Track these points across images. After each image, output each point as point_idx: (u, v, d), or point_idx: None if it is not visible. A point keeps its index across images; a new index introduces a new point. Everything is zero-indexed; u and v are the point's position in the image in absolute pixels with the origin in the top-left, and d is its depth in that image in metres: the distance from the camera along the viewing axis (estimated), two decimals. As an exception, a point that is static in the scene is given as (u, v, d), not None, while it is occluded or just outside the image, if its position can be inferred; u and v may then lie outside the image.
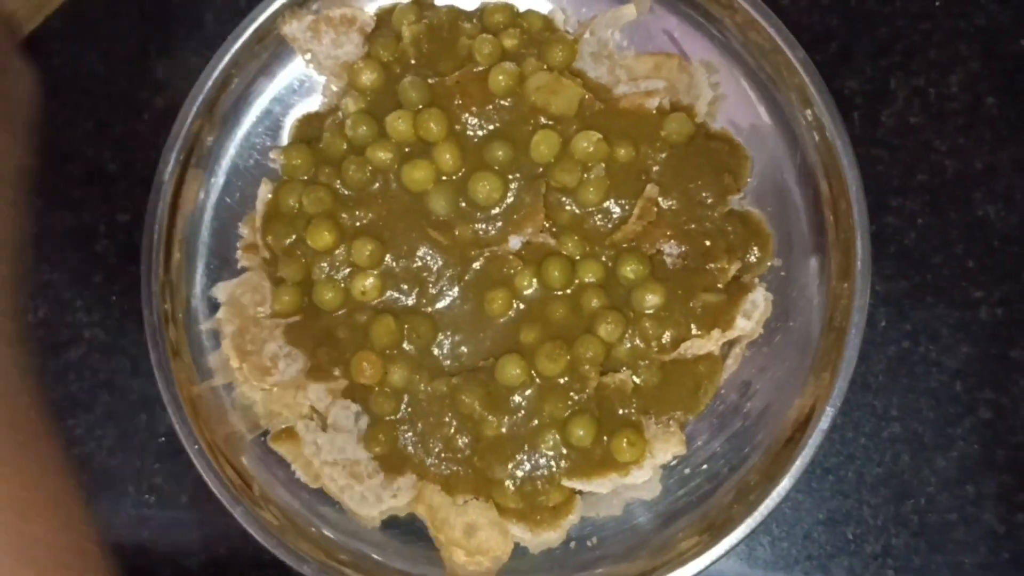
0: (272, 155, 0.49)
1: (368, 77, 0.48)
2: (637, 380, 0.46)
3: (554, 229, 0.47)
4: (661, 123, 0.47)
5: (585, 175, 0.47)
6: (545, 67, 0.47)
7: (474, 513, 0.46)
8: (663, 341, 0.46)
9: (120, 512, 0.50)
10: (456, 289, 0.47)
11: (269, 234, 0.48)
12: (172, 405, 0.46)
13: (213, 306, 0.49)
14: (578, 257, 0.47)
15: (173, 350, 0.47)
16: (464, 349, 0.47)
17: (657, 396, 0.47)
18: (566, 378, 0.46)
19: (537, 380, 0.46)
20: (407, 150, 0.47)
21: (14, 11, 0.48)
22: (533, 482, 0.46)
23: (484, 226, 0.47)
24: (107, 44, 0.53)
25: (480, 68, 0.48)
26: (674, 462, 0.47)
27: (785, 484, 0.44)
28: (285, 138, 0.50)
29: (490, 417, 0.45)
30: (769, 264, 0.47)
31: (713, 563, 0.44)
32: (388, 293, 0.47)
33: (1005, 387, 0.47)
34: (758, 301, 0.47)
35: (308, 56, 0.50)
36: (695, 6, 0.48)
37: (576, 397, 0.45)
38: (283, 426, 0.48)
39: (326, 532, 0.47)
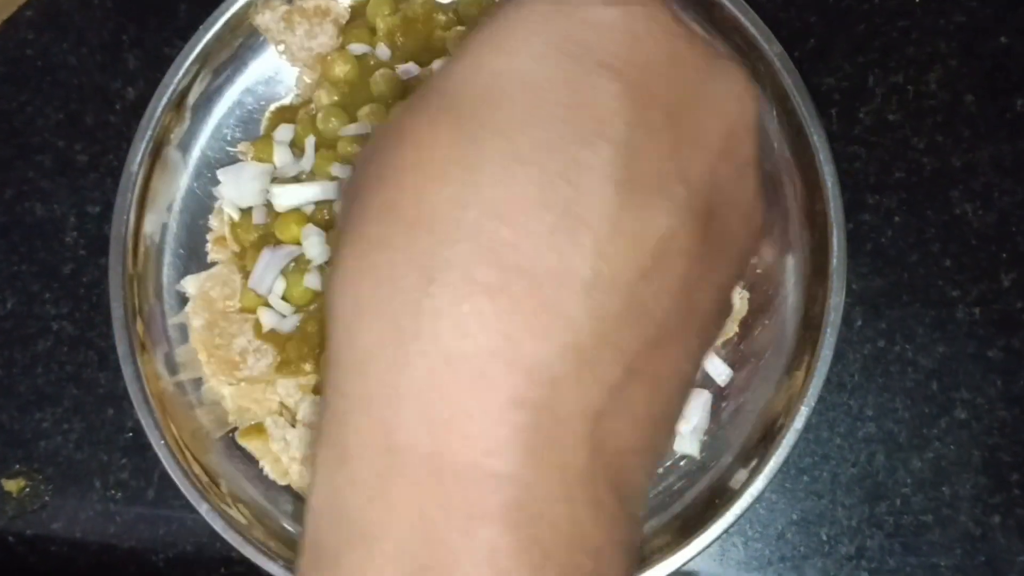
0: (241, 148, 0.48)
1: (341, 69, 0.48)
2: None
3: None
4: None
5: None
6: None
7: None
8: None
9: (86, 507, 0.49)
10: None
11: (239, 226, 0.47)
12: (138, 400, 0.45)
13: (182, 300, 0.48)
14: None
15: (140, 344, 0.46)
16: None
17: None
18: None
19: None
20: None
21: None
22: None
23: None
24: (79, 34, 0.52)
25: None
26: (647, 461, 0.47)
27: (758, 484, 0.43)
28: (256, 130, 0.49)
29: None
30: (745, 261, 0.47)
31: (685, 564, 0.43)
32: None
33: (981, 387, 0.47)
34: (734, 300, 0.47)
35: (281, 47, 0.49)
36: (671, 1, 0.48)
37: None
38: (252, 422, 0.47)
39: (294, 529, 0.46)
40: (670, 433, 0.25)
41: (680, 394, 0.24)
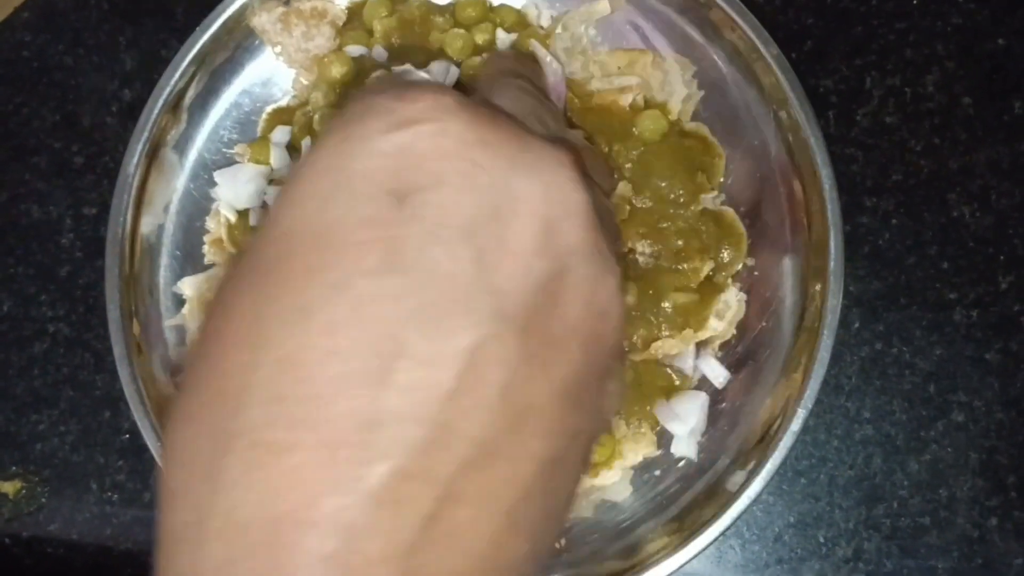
0: (237, 150, 0.48)
1: (338, 71, 0.48)
2: (607, 380, 0.46)
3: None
4: (634, 120, 0.47)
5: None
6: (517, 62, 0.47)
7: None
8: (634, 341, 0.46)
9: (82, 509, 0.49)
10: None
11: (236, 228, 0.47)
12: (135, 402, 0.45)
13: (179, 301, 0.48)
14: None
15: (137, 346, 0.46)
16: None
17: (628, 396, 0.46)
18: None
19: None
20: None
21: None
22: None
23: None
24: (76, 36, 0.52)
25: (452, 63, 0.47)
26: (645, 463, 0.47)
27: (756, 487, 0.43)
28: (253, 132, 0.49)
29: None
30: (742, 264, 0.47)
31: (683, 566, 0.43)
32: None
33: (979, 390, 0.47)
34: (731, 301, 0.47)
35: (278, 49, 0.49)
36: (669, 3, 0.48)
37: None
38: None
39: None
40: (529, 542, 0.24)
41: (528, 500, 0.23)
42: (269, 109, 0.49)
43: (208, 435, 0.22)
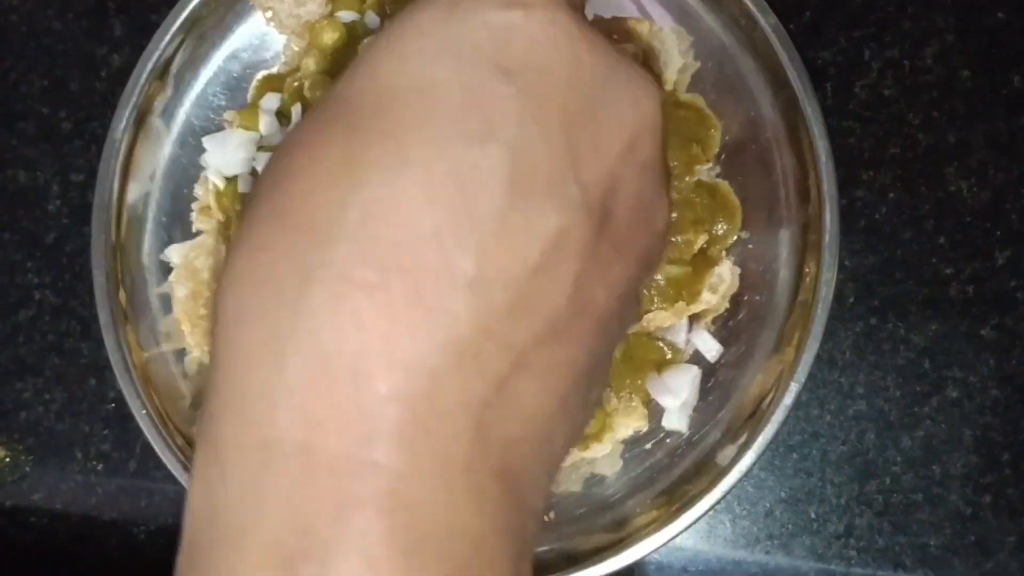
0: (226, 116, 0.48)
1: (330, 37, 0.47)
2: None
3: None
4: (629, 90, 0.46)
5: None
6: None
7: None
8: (626, 312, 0.45)
9: (67, 478, 0.49)
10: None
11: (224, 195, 0.47)
12: (120, 370, 0.44)
13: (166, 269, 0.47)
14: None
15: (123, 314, 0.45)
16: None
17: (619, 370, 0.46)
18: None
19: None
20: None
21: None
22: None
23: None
24: (65, 1, 0.52)
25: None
26: (635, 437, 0.46)
27: (747, 461, 0.43)
28: (243, 98, 0.49)
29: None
30: (736, 237, 0.46)
31: (672, 539, 0.43)
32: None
33: (974, 366, 0.46)
34: (725, 275, 0.46)
35: (269, 14, 0.48)
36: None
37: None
38: (235, 393, 0.46)
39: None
40: (570, 425, 0.25)
41: (577, 389, 0.24)
42: (259, 75, 0.49)
43: (288, 263, 0.22)
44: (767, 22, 0.45)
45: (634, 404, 0.46)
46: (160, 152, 0.48)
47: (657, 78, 0.47)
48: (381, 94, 0.23)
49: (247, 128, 0.47)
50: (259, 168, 0.46)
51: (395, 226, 0.22)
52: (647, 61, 0.46)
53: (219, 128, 0.48)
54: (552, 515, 0.46)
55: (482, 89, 0.23)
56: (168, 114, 0.48)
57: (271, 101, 0.47)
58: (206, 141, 0.47)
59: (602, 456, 0.46)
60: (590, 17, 0.48)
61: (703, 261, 0.46)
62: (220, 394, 0.22)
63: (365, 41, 0.46)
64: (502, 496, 0.22)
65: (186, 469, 0.43)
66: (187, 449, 0.44)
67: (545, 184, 0.23)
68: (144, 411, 0.44)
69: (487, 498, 0.22)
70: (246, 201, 0.27)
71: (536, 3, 0.24)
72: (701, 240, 0.46)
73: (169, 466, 0.43)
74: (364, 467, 0.21)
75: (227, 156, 0.46)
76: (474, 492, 0.22)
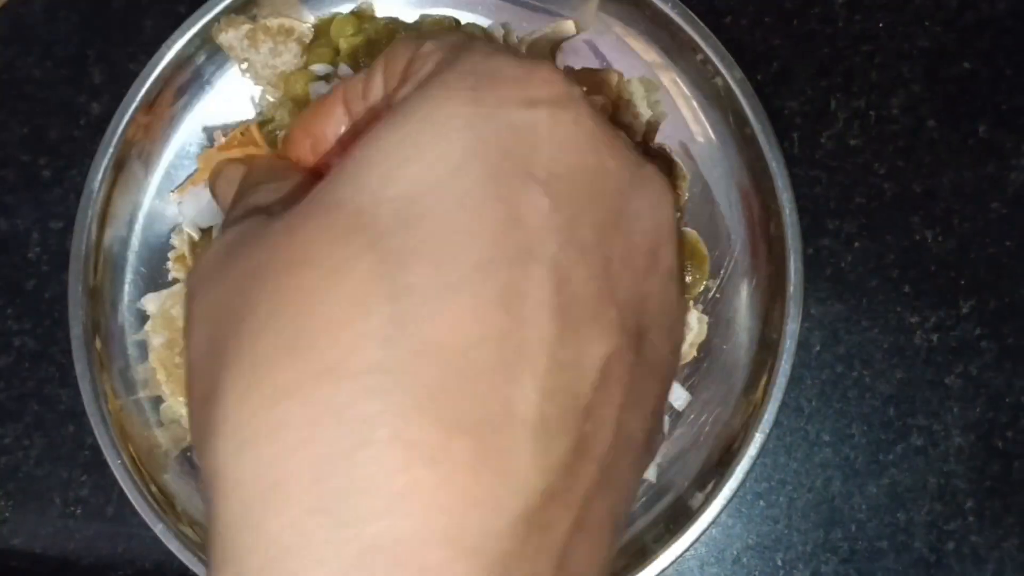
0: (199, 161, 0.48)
1: (304, 88, 0.48)
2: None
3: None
4: (599, 140, 0.47)
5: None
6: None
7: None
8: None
9: (46, 523, 0.49)
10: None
11: (199, 246, 0.47)
12: (96, 418, 0.45)
13: (142, 317, 0.48)
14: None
15: (100, 362, 0.46)
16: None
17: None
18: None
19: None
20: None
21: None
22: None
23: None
24: (45, 48, 0.52)
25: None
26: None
27: (714, 509, 0.43)
28: (218, 148, 0.49)
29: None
30: (704, 285, 0.47)
31: (639, 587, 0.43)
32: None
33: (938, 414, 0.47)
34: (692, 323, 0.47)
35: (245, 65, 0.49)
36: (633, 24, 0.48)
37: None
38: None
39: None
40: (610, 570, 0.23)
41: (618, 537, 0.22)
42: (235, 126, 0.49)
43: (326, 419, 0.19)
44: (733, 76, 0.45)
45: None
46: (138, 200, 0.49)
47: (626, 127, 0.47)
48: (407, 205, 0.20)
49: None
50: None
51: (449, 368, 0.19)
52: (615, 115, 0.47)
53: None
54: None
55: (517, 201, 0.21)
56: (146, 163, 0.49)
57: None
58: (180, 194, 0.48)
59: (571, 503, 0.46)
60: (560, 67, 0.48)
61: (671, 310, 0.47)
62: None
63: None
64: None
65: (159, 517, 0.44)
66: (161, 497, 0.45)
67: (589, 308, 0.21)
68: (119, 461, 0.45)
69: None
70: (195, 315, 0.23)
71: (558, 100, 0.22)
72: (669, 289, 0.46)
73: (143, 514, 0.44)
74: None
75: (202, 208, 0.47)
76: None
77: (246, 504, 0.19)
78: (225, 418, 0.19)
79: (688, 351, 0.47)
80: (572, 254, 0.21)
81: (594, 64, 0.48)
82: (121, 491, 0.45)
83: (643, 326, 0.23)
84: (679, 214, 0.47)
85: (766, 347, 0.45)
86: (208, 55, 0.49)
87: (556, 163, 0.22)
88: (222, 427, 0.19)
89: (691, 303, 0.47)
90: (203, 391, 0.21)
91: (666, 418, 0.46)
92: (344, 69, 0.48)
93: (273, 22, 0.49)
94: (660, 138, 0.48)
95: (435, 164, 0.21)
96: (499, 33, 0.48)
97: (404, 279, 0.20)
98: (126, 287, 0.48)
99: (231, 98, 0.49)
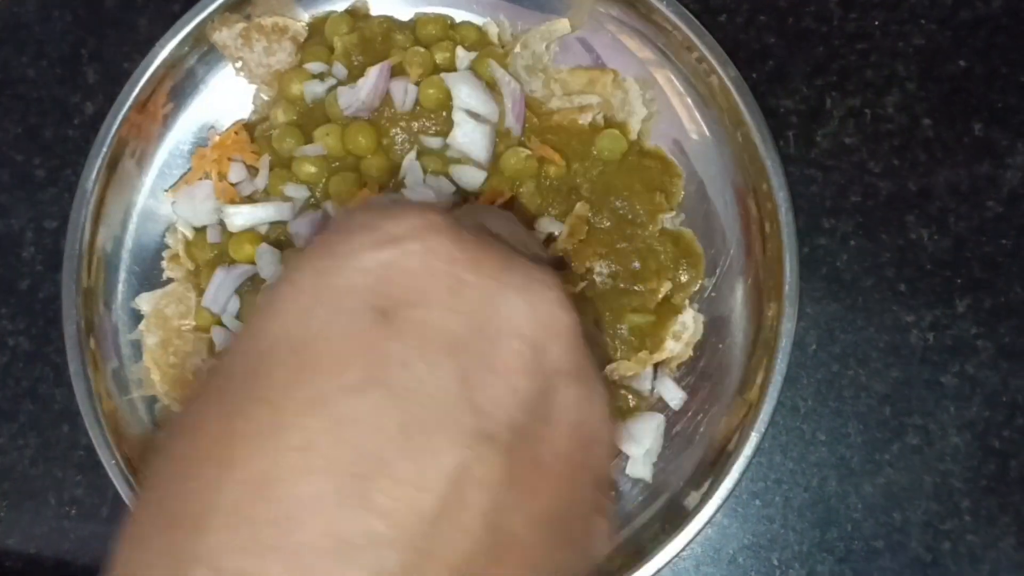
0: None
1: (298, 87, 0.48)
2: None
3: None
4: (594, 139, 0.47)
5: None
6: (477, 81, 0.47)
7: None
8: (589, 361, 0.45)
9: (41, 523, 0.49)
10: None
11: (193, 245, 0.47)
12: (90, 418, 0.45)
13: (136, 317, 0.48)
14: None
15: (93, 362, 0.46)
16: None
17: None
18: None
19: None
20: (335, 164, 0.47)
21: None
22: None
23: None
24: (39, 48, 0.52)
25: (412, 80, 0.47)
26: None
27: (710, 508, 0.43)
28: (213, 147, 0.49)
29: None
30: (700, 285, 0.47)
31: (635, 587, 0.43)
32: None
33: (934, 413, 0.47)
34: (688, 323, 0.47)
35: (239, 64, 0.49)
36: (629, 22, 0.47)
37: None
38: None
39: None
40: None
41: None
42: (229, 125, 0.49)
43: (163, 561, 0.20)
44: (727, 74, 0.45)
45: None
46: (132, 200, 0.49)
47: (621, 126, 0.47)
48: (258, 358, 0.22)
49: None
50: (226, 219, 0.46)
51: (271, 502, 0.20)
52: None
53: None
54: None
55: (360, 335, 0.22)
56: (140, 162, 0.49)
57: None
58: (174, 192, 0.48)
59: (566, 503, 0.46)
60: (563, 65, 0.48)
61: (667, 309, 0.47)
62: None
63: (332, 93, 0.47)
64: None
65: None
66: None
67: (436, 421, 0.21)
68: (113, 461, 0.45)
69: None
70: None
71: (409, 235, 0.23)
72: (665, 288, 0.46)
73: (138, 515, 0.44)
74: None
75: (196, 207, 0.47)
76: None
77: None
78: (112, 560, 0.22)
79: (684, 350, 0.47)
80: (418, 371, 0.22)
81: (588, 62, 0.48)
82: (116, 491, 0.45)
83: (521, 426, 0.23)
84: (673, 214, 0.47)
85: (762, 346, 0.45)
86: (202, 54, 0.49)
87: (403, 291, 0.23)
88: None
89: (687, 302, 0.47)
90: None
91: (662, 419, 0.46)
92: (338, 68, 0.48)
93: (267, 20, 0.49)
94: (655, 136, 0.48)
95: (283, 315, 0.23)
96: (494, 31, 0.48)
97: (241, 427, 0.21)
98: (120, 286, 0.48)
99: (225, 97, 0.49)
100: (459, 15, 0.49)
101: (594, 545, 0.26)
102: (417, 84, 0.46)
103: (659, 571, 0.43)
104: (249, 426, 0.21)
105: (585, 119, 0.47)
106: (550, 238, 0.46)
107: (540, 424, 0.24)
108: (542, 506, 0.23)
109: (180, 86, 0.49)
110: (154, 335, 0.47)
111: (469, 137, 0.45)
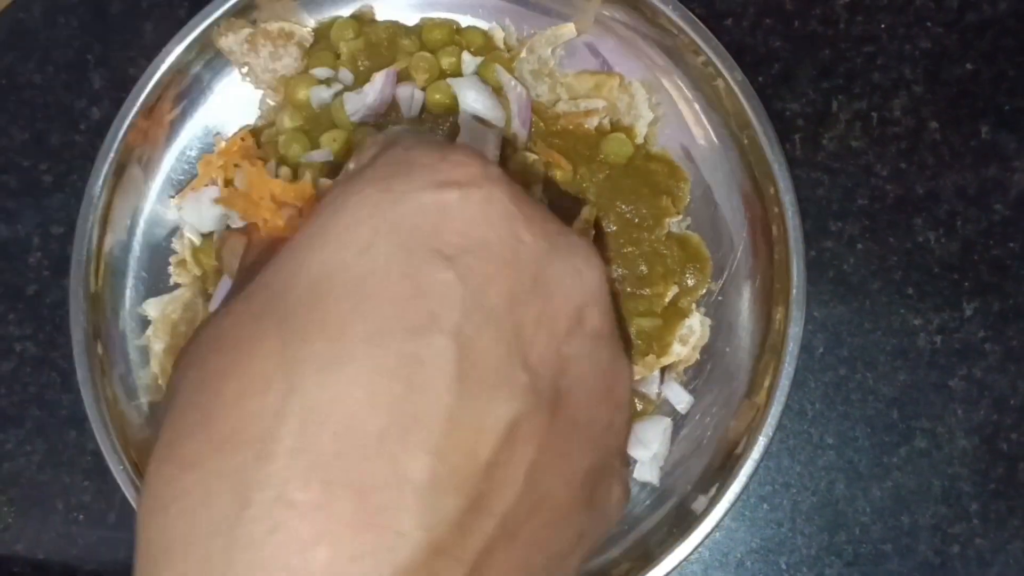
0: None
1: (305, 93, 0.48)
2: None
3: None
4: (600, 143, 0.47)
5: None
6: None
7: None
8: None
9: (48, 529, 0.49)
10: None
11: (201, 251, 0.47)
12: (98, 424, 0.45)
13: (144, 322, 0.48)
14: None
15: (101, 368, 0.46)
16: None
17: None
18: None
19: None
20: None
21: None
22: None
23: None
24: (45, 53, 0.52)
25: (418, 85, 0.47)
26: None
27: (718, 512, 0.43)
28: (219, 153, 0.49)
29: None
30: (706, 289, 0.47)
31: (643, 591, 0.43)
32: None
33: (942, 416, 0.47)
34: (695, 327, 0.47)
35: (245, 69, 0.49)
36: (634, 26, 0.47)
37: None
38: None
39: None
40: None
41: None
42: (236, 130, 0.49)
43: (220, 484, 0.21)
44: (733, 78, 0.45)
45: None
46: (139, 204, 0.49)
47: (628, 130, 0.47)
48: (315, 285, 0.22)
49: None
50: (234, 224, 0.46)
51: (336, 434, 0.20)
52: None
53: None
54: None
55: (421, 277, 0.22)
56: (147, 168, 0.49)
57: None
58: (181, 198, 0.48)
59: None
60: (569, 69, 0.48)
61: (673, 313, 0.47)
62: None
63: (338, 99, 0.47)
64: None
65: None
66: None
67: (494, 372, 0.22)
68: (121, 466, 0.45)
69: None
70: (167, 392, 0.25)
71: (471, 181, 0.23)
72: (671, 292, 0.46)
73: (146, 520, 0.44)
74: None
75: (202, 212, 0.47)
76: None
77: (149, 561, 0.21)
78: (147, 485, 0.22)
79: (691, 354, 0.47)
80: (477, 322, 0.22)
81: (594, 66, 0.48)
82: (123, 497, 0.45)
83: (563, 388, 0.24)
84: (679, 218, 0.47)
85: (769, 350, 0.45)
86: (208, 60, 0.49)
87: (464, 238, 0.23)
88: (143, 493, 0.22)
89: (693, 306, 0.47)
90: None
91: (669, 422, 0.46)
92: (345, 73, 0.48)
93: (273, 26, 0.49)
94: (661, 140, 0.48)
95: (344, 248, 0.23)
96: (499, 36, 0.48)
97: (301, 354, 0.21)
98: (127, 292, 0.48)
99: (231, 102, 0.49)
100: (465, 20, 0.49)
101: (611, 511, 0.27)
102: (423, 89, 0.46)
103: (667, 575, 0.43)
104: (309, 353, 0.21)
105: (591, 123, 0.47)
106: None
107: (578, 386, 0.24)
108: (573, 467, 0.24)
109: (186, 92, 0.49)
110: (161, 341, 0.47)
111: (475, 142, 0.45)
